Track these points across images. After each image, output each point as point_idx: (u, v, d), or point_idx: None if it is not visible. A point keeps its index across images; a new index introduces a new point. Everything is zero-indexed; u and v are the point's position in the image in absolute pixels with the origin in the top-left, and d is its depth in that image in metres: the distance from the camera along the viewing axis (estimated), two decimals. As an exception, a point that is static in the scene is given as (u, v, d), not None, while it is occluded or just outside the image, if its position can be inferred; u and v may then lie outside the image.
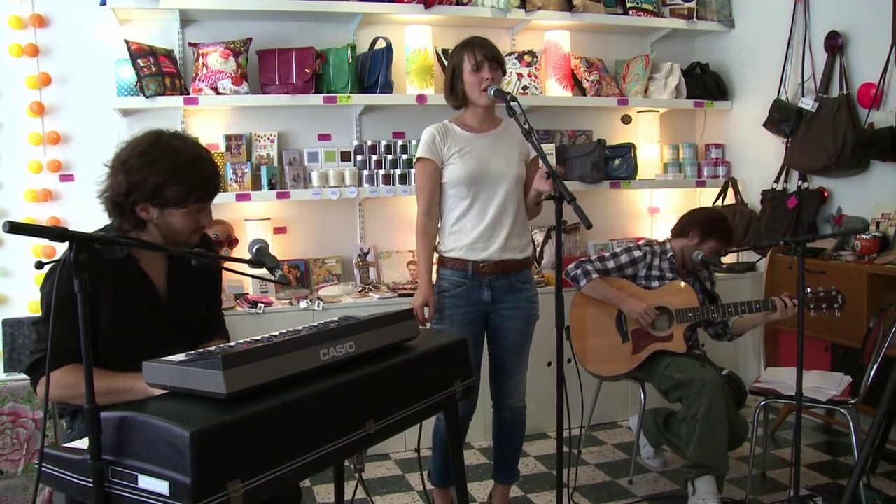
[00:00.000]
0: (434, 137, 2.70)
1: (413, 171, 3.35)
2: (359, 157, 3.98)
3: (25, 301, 3.55)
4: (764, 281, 4.05)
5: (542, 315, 2.85)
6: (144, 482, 1.31)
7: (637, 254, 3.21)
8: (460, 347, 2.01)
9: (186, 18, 3.76)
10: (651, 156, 4.56)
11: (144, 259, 1.93)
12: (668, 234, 3.33)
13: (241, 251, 3.70)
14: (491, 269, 2.69)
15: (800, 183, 4.04)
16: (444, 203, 2.75)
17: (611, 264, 3.21)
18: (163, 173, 1.81)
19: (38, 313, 1.91)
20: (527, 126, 2.38)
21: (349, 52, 3.79)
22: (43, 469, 1.48)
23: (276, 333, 1.73)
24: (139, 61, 3.48)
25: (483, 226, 2.68)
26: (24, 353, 2.85)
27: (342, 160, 4.02)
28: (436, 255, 2.81)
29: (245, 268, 1.92)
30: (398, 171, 3.92)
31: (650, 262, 3.20)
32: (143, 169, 1.81)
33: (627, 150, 4.28)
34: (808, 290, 2.87)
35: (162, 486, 1.29)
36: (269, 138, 3.90)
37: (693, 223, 3.20)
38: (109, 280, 1.83)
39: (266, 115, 3.92)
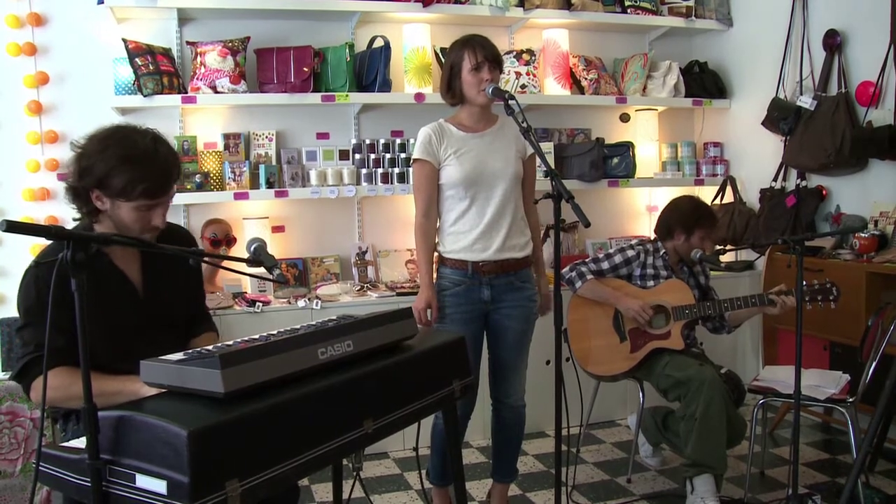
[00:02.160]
0: (430, 138, 2.69)
1: (411, 170, 3.34)
2: (357, 156, 3.97)
3: (23, 300, 3.54)
4: (762, 279, 4.05)
5: (541, 313, 2.85)
6: (142, 481, 1.31)
7: (630, 253, 3.21)
8: (458, 346, 2.00)
9: (184, 17, 3.76)
10: (649, 154, 4.56)
11: (115, 254, 1.92)
12: (653, 236, 3.32)
13: (240, 250, 3.70)
14: (491, 268, 2.68)
15: (798, 181, 4.04)
16: (442, 204, 2.74)
17: (605, 265, 3.21)
18: (111, 161, 1.80)
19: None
20: (525, 124, 2.38)
21: (347, 50, 3.78)
22: (41, 468, 1.48)
23: (275, 332, 1.72)
24: (137, 60, 3.47)
25: (482, 226, 2.67)
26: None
27: (340, 159, 4.02)
28: (435, 254, 2.81)
29: (243, 267, 1.92)
30: (396, 170, 3.91)
31: (644, 260, 3.20)
32: (95, 154, 1.81)
33: (626, 148, 4.28)
34: (804, 282, 2.88)
35: (160, 486, 1.29)
36: (267, 137, 3.89)
37: (673, 223, 3.18)
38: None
39: (264, 114, 3.91)
